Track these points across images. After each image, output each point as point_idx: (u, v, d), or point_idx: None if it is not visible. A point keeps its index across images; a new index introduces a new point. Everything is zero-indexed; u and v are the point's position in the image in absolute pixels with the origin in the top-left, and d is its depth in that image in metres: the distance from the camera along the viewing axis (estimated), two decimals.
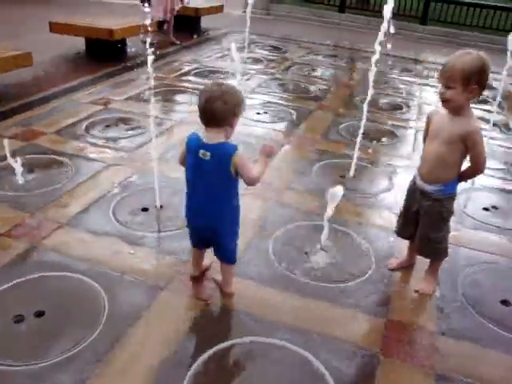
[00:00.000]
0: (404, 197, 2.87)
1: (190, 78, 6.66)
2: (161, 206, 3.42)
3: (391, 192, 3.99)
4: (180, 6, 7.96)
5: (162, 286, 2.67)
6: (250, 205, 3.38)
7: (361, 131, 4.15)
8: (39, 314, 2.40)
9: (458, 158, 2.50)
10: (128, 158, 4.13)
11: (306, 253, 3.09)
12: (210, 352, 2.29)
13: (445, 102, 2.42)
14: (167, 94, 5.89)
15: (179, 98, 5.90)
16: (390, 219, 3.42)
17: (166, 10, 7.66)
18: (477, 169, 2.50)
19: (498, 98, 5.10)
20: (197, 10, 8.75)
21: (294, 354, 2.32)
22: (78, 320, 2.40)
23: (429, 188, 2.61)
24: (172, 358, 2.23)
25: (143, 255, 2.92)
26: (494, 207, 3.93)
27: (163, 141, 4.49)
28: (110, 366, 2.17)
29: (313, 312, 2.63)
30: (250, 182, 2.30)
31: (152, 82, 3.34)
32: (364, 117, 4.10)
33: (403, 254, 3.06)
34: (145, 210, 3.39)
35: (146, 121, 4.69)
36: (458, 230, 3.41)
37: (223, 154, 2.24)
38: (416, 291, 2.84)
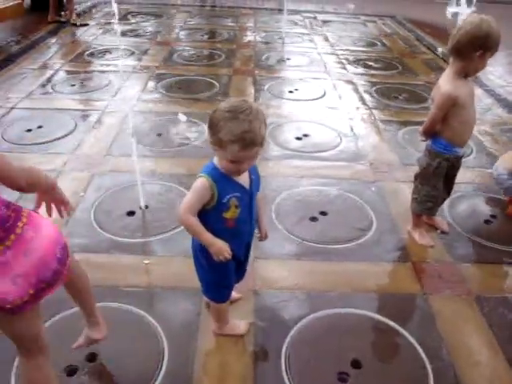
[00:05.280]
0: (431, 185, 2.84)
1: (90, 58, 6.16)
2: (146, 207, 3.20)
3: None
4: None
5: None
6: None
7: None
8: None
9: None
10: (78, 162, 3.74)
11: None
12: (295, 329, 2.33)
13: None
14: (76, 82, 5.37)
15: (92, 83, 5.40)
16: None
17: None
18: None
19: None
20: None
21: (362, 318, 2.43)
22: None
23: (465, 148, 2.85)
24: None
25: (160, 262, 2.74)
26: None
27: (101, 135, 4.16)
28: None
29: (342, 274, 2.74)
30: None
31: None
32: None
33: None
34: (131, 213, 3.15)
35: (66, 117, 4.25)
36: None
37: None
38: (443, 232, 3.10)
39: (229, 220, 1.88)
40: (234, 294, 2.35)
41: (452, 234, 3.10)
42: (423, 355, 2.22)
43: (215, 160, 1.86)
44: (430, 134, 2.74)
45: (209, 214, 1.86)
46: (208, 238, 1.86)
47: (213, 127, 1.72)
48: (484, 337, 2.35)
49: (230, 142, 1.68)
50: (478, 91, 5.69)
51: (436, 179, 2.81)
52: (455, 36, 2.50)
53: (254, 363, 2.14)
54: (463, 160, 2.86)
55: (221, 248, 1.86)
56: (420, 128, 2.80)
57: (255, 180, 1.95)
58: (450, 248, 2.97)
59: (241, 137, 1.66)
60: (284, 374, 2.10)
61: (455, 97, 2.55)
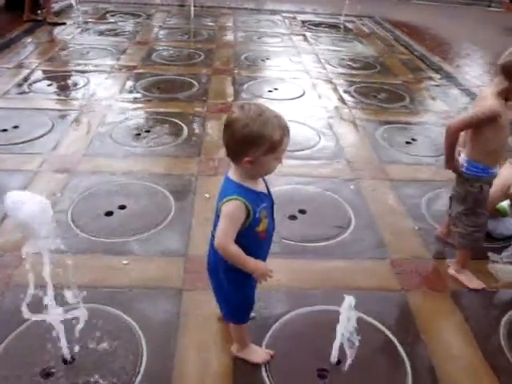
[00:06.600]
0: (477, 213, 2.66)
1: (67, 58, 6.10)
2: (124, 207, 3.18)
3: None
4: None
5: (180, 287, 2.53)
6: None
7: None
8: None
9: None
10: (55, 162, 3.68)
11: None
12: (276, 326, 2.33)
13: None
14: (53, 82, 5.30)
15: (69, 83, 5.35)
16: None
17: None
18: None
19: None
20: None
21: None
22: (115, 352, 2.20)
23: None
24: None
25: (138, 262, 2.72)
26: None
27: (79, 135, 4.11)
28: None
29: (321, 271, 2.75)
30: (215, 241, 1.79)
31: None
32: None
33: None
34: (109, 213, 3.12)
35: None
36: None
37: (220, 194, 1.79)
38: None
39: (261, 233, 1.81)
40: None
41: (430, 230, 3.14)
42: (401, 350, 2.24)
43: (232, 177, 1.77)
44: (454, 135, 2.52)
45: (242, 234, 1.76)
46: (252, 264, 1.79)
47: (259, 139, 1.63)
48: (461, 331, 2.39)
49: (283, 136, 1.67)
50: (455, 91, 5.78)
51: (480, 205, 2.63)
52: (509, 55, 2.38)
53: (234, 361, 2.13)
54: None
55: (264, 270, 1.82)
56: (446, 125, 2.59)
57: (267, 184, 1.89)
58: (427, 245, 3.01)
59: (285, 125, 1.69)
60: (263, 371, 2.10)
61: (498, 114, 2.41)
